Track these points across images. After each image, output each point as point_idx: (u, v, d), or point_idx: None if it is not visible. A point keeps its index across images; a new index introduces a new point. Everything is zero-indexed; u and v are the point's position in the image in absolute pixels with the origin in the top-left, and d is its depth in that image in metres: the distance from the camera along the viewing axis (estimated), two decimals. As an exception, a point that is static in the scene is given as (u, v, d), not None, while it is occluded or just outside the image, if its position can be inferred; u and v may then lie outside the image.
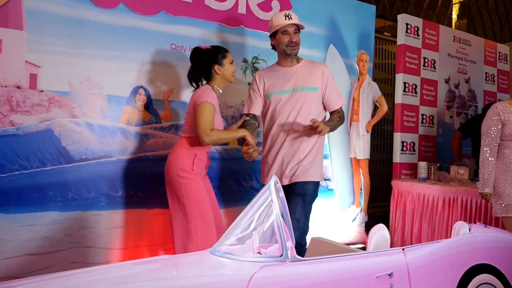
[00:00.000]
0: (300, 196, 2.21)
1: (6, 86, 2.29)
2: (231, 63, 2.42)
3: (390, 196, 3.67)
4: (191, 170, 2.19)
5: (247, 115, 2.48)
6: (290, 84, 2.36)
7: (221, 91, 2.41)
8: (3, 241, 2.27)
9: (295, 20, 2.36)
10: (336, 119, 2.39)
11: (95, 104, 2.56)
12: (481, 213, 2.97)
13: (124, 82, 2.65)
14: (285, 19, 2.33)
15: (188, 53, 2.83)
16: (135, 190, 2.67)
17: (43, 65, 2.39)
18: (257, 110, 2.47)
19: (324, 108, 2.45)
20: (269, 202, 1.31)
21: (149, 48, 2.72)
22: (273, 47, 2.48)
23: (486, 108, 3.71)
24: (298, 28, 2.41)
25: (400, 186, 3.60)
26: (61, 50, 2.44)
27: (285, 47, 2.36)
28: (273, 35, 2.43)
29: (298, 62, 2.44)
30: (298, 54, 2.46)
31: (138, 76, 2.69)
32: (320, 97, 2.39)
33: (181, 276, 1.17)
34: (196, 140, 2.22)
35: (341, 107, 2.45)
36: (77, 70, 2.49)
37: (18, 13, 2.32)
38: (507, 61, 5.00)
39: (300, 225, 2.09)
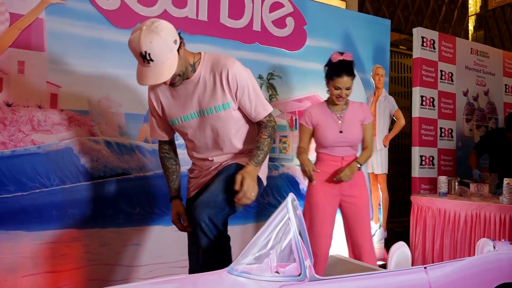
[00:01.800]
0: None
1: (28, 106, 2.35)
2: (335, 88, 2.45)
3: (409, 211, 3.60)
4: None
5: (163, 142, 2.10)
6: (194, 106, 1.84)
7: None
8: (23, 258, 2.30)
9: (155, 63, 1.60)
10: (264, 141, 1.82)
11: (113, 122, 2.60)
12: (506, 229, 2.88)
13: (142, 100, 2.68)
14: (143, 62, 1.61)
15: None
16: (152, 207, 2.69)
17: (63, 85, 2.45)
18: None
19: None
20: (287, 220, 1.29)
21: (166, 66, 2.76)
22: None
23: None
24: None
25: (420, 201, 3.53)
26: (81, 70, 2.50)
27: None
28: None
29: (193, 73, 1.81)
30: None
31: (155, 94, 2.72)
32: (234, 112, 1.86)
33: (198, 295, 1.16)
34: None
35: (267, 117, 1.87)
36: (96, 89, 2.55)
37: (40, 35, 2.39)
38: (527, 72, 4.91)
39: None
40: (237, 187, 1.69)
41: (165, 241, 2.70)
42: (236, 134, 1.90)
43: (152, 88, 1.89)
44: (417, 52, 3.84)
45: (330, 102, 2.54)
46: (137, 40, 1.55)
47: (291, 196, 1.35)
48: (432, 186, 3.79)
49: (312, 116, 2.52)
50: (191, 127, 1.90)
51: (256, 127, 1.92)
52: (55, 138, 2.42)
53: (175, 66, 1.63)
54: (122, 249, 2.56)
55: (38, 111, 2.38)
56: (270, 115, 1.90)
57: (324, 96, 2.67)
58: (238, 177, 1.71)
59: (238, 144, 1.91)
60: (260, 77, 3.13)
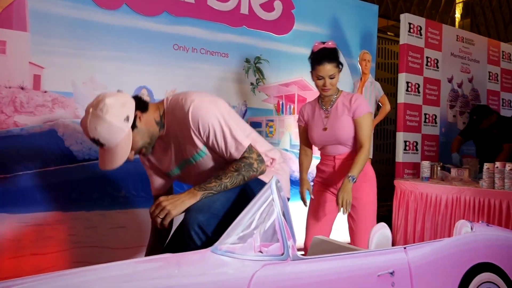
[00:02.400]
0: None
1: (10, 87, 2.31)
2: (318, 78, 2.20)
3: (392, 195, 3.67)
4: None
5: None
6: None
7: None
8: (8, 241, 2.29)
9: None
10: (228, 172, 1.57)
11: (99, 105, 2.57)
12: (484, 212, 2.96)
13: (127, 82, 2.66)
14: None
15: (191, 54, 2.86)
16: (138, 190, 2.69)
17: (46, 66, 2.40)
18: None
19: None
20: (270, 201, 1.31)
21: (152, 48, 2.73)
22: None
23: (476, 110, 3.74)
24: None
25: (403, 186, 3.59)
26: (64, 51, 2.46)
27: None
28: None
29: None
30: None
31: (141, 76, 2.70)
32: (214, 154, 1.66)
33: (182, 274, 1.17)
34: None
35: (246, 151, 1.60)
36: (81, 70, 2.51)
37: (22, 15, 2.33)
38: (510, 60, 4.98)
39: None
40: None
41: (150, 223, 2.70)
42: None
43: None
44: (404, 38, 3.86)
45: (320, 97, 2.31)
46: (84, 126, 1.49)
47: (275, 178, 1.36)
48: (415, 171, 3.86)
49: (304, 113, 2.35)
50: (181, 177, 1.81)
51: None
52: (39, 120, 2.39)
53: (128, 146, 1.52)
54: (107, 231, 2.57)
55: (21, 92, 2.34)
56: (250, 151, 1.60)
57: (311, 80, 2.67)
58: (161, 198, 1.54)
59: None
60: (247, 61, 3.12)
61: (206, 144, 1.61)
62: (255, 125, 3.17)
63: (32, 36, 2.36)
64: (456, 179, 3.40)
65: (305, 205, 2.26)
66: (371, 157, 3.71)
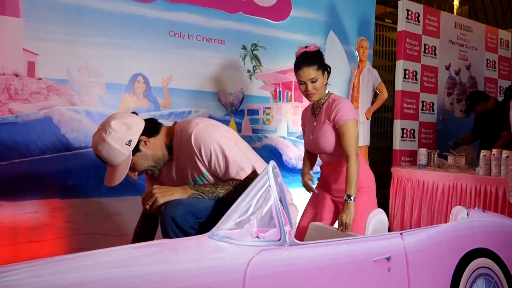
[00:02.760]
0: None
1: (4, 74, 2.28)
2: (300, 83, 2.09)
3: (389, 183, 3.68)
4: None
5: None
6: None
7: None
8: (4, 228, 2.28)
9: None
10: (225, 186, 1.61)
11: (94, 92, 2.55)
12: (481, 198, 2.98)
13: (123, 69, 2.64)
14: None
15: (187, 40, 2.83)
16: (135, 177, 2.68)
17: (40, 52, 2.37)
18: None
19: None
20: (267, 187, 1.31)
21: (147, 35, 2.70)
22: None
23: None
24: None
25: (400, 173, 3.60)
26: (59, 37, 2.42)
27: None
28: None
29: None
30: None
31: (136, 63, 2.68)
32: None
33: (179, 260, 1.17)
34: None
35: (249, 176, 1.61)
36: (75, 57, 2.48)
37: (15, 0, 2.29)
38: (508, 47, 4.96)
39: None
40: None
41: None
42: None
43: None
44: (402, 25, 3.83)
45: (313, 103, 2.20)
46: (92, 142, 1.62)
47: (272, 163, 1.36)
48: (412, 158, 3.87)
49: (303, 117, 2.30)
50: None
51: None
52: (34, 107, 2.37)
53: (126, 168, 1.58)
54: (104, 219, 2.56)
55: (15, 79, 2.31)
56: (254, 175, 1.59)
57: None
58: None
59: None
60: (244, 48, 3.09)
61: (208, 169, 1.65)
62: (252, 112, 3.16)
63: (25, 22, 2.32)
64: (453, 167, 3.41)
65: (313, 191, 2.22)
66: (368, 144, 3.71)
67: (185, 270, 1.16)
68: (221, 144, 1.61)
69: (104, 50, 2.56)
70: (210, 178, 1.67)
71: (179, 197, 1.54)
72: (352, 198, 1.92)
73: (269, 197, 1.30)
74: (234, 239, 1.25)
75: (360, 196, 2.03)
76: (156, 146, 1.66)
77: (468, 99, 3.88)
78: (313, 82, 2.04)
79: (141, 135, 1.62)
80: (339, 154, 2.08)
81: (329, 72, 2.10)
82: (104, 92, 2.58)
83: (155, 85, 2.75)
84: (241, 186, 1.54)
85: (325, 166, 2.23)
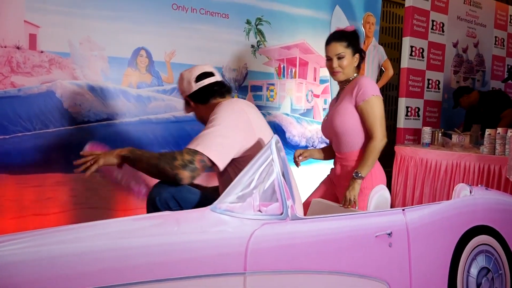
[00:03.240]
0: None
1: (5, 47, 2.25)
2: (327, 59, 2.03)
3: (393, 161, 3.67)
4: None
5: None
6: None
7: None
8: (9, 201, 2.30)
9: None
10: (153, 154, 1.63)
11: (96, 66, 2.52)
12: (484, 177, 2.97)
13: (125, 43, 2.60)
14: None
15: (190, 14, 2.78)
16: (139, 152, 2.68)
17: (42, 25, 2.33)
18: None
19: None
20: (270, 161, 1.30)
21: (150, 8, 2.65)
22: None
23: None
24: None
25: (403, 151, 3.59)
26: (60, 9, 2.38)
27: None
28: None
29: None
30: None
31: (139, 37, 2.63)
32: None
33: (182, 232, 1.18)
34: None
35: (190, 152, 1.56)
36: (77, 30, 2.44)
37: (14, -29, 2.25)
38: (518, 24, 4.85)
39: None
40: None
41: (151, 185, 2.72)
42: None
43: None
44: (410, 0, 3.74)
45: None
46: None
47: (275, 138, 1.35)
48: (416, 137, 3.85)
49: (329, 106, 2.19)
50: None
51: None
52: (36, 81, 2.35)
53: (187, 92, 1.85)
54: (108, 193, 2.58)
55: (17, 52, 2.28)
56: (190, 154, 1.53)
57: (313, 43, 2.60)
58: None
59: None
60: (248, 22, 3.04)
61: None
62: (255, 88, 3.12)
63: (26, -7, 2.28)
64: (457, 145, 3.39)
65: (296, 166, 2.15)
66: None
67: (187, 242, 1.16)
68: (218, 119, 1.60)
69: (106, 23, 2.51)
70: None
71: (111, 155, 1.65)
72: (360, 175, 1.85)
73: (271, 171, 1.30)
74: (237, 212, 1.25)
75: (362, 199, 1.88)
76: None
77: (452, 95, 3.89)
78: (339, 58, 1.96)
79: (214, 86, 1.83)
80: (352, 140, 1.95)
81: (362, 57, 2.01)
82: (107, 66, 2.56)
83: (158, 60, 2.72)
84: (166, 157, 1.50)
85: (336, 159, 2.08)
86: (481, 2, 4.41)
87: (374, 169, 1.94)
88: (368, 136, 1.92)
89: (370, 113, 1.88)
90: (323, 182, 2.20)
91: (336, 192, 2.09)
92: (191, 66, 2.77)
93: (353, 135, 1.95)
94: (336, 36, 2.00)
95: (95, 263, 1.06)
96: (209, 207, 1.27)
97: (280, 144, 1.34)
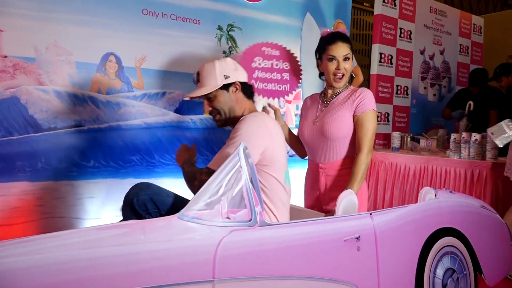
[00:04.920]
0: None
1: (-34, 51, 2.18)
2: (330, 59, 1.93)
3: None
4: None
5: None
6: None
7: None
8: (-29, 212, 2.21)
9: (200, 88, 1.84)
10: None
11: (64, 71, 2.47)
12: (450, 180, 3.06)
13: (94, 48, 2.55)
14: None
15: (161, 19, 2.76)
16: (108, 160, 2.63)
17: (6, 28, 2.27)
18: None
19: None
20: (238, 167, 1.30)
21: (120, 13, 2.61)
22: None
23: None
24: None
25: (374, 156, 3.66)
26: (25, 13, 2.32)
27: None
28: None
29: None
30: None
31: (108, 42, 2.59)
32: None
33: (148, 240, 1.16)
34: None
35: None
36: (43, 34, 2.38)
37: (-24, -27, 2.18)
38: (481, 33, 5.05)
39: None
40: None
41: (121, 194, 2.66)
42: None
43: None
44: (378, 8, 3.85)
45: (324, 90, 2.06)
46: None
47: (243, 144, 1.35)
48: (386, 142, 3.94)
49: (304, 105, 2.14)
50: None
51: None
52: (-1, 87, 2.27)
53: (207, 90, 1.75)
54: (76, 202, 2.51)
55: (-22, 56, 2.21)
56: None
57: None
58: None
59: None
60: (219, 28, 3.04)
61: None
62: (227, 94, 3.12)
63: (-11, -4, 2.21)
64: (425, 149, 3.49)
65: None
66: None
67: (154, 251, 1.15)
68: (243, 134, 1.63)
69: (74, 27, 2.46)
70: None
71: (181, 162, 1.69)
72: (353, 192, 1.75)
73: (240, 177, 1.30)
74: (204, 220, 1.25)
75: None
76: (239, 101, 1.81)
77: (481, 73, 3.86)
78: (345, 59, 1.89)
79: (240, 84, 1.79)
80: (342, 149, 1.91)
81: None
82: (75, 72, 2.50)
83: (128, 65, 2.68)
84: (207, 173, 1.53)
85: (316, 170, 1.96)
86: (446, 11, 4.58)
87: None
88: (354, 147, 1.90)
89: (364, 126, 1.86)
90: (308, 197, 2.10)
91: (323, 205, 1.99)
92: (162, 72, 2.80)
93: (344, 144, 1.92)
94: (341, 36, 1.93)
95: (58, 275, 1.03)
96: (176, 214, 1.25)
97: (248, 150, 1.35)
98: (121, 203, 2.63)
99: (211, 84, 1.75)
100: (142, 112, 2.72)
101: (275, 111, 2.06)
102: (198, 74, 1.80)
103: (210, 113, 1.84)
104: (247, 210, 1.30)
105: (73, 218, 2.50)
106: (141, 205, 1.54)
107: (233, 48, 3.12)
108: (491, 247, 2.01)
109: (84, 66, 2.52)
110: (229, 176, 1.30)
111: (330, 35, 1.97)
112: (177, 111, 2.85)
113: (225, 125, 1.87)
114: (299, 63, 2.58)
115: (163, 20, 2.78)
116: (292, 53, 2.49)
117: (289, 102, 3.44)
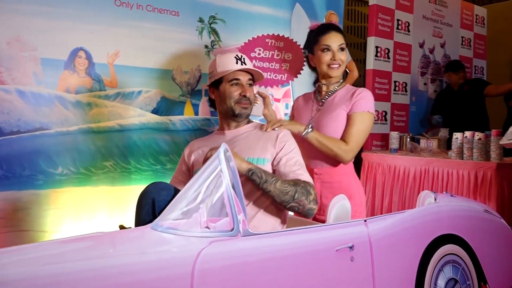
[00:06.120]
0: None
1: None
2: (324, 50, 1.96)
3: (360, 169, 3.75)
4: None
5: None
6: None
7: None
8: None
9: (249, 65, 1.82)
10: (284, 181, 1.61)
11: (27, 69, 2.43)
12: (453, 183, 3.09)
13: (62, 43, 2.53)
14: (236, 62, 1.79)
15: (135, 11, 2.74)
16: (78, 166, 2.60)
17: (-39, 22, 2.24)
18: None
19: None
20: (218, 172, 1.29)
21: (90, 4, 2.59)
22: (212, 104, 1.96)
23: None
24: (253, 78, 1.86)
25: (371, 158, 3.68)
26: (-17, 5, 2.29)
27: (233, 104, 1.79)
28: (214, 84, 1.87)
29: (248, 123, 1.89)
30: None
31: (77, 36, 2.56)
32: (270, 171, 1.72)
33: (118, 254, 1.14)
34: None
35: (308, 184, 1.66)
36: (4, 28, 2.34)
37: None
38: (484, 24, 5.12)
39: None
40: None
41: (95, 203, 2.64)
42: None
43: None
44: (374, -2, 3.88)
45: (317, 88, 2.08)
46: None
47: (224, 146, 1.34)
48: (384, 142, 3.96)
49: (295, 103, 2.17)
50: None
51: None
52: (-45, 86, 2.23)
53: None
54: (42, 213, 2.48)
55: None
56: (312, 187, 1.68)
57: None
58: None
59: None
60: (200, 20, 3.03)
61: (270, 158, 1.73)
62: (210, 93, 3.12)
63: None
64: (425, 150, 3.52)
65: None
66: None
67: (124, 265, 1.13)
68: (299, 151, 1.77)
69: (39, 20, 2.44)
70: (268, 165, 1.72)
71: (239, 162, 1.57)
72: (311, 131, 1.87)
73: (220, 183, 1.29)
74: (181, 230, 1.23)
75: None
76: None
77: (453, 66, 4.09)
78: (341, 49, 1.94)
79: None
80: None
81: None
82: (40, 69, 2.47)
83: (100, 62, 2.65)
84: (302, 187, 1.59)
85: (315, 180, 1.95)
86: (447, 1, 4.64)
87: (355, 184, 1.98)
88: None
89: (356, 124, 1.89)
90: None
91: (317, 215, 1.93)
92: (137, 68, 2.78)
93: None
94: (334, 26, 1.99)
95: (17, 294, 1.01)
96: (149, 225, 1.24)
97: (230, 153, 1.34)
98: (93, 213, 2.61)
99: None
100: (115, 113, 2.70)
101: (264, 98, 2.05)
102: (242, 56, 1.82)
103: (242, 99, 1.79)
104: (228, 219, 1.29)
105: (38, 232, 2.46)
106: (160, 207, 1.45)
107: (215, 42, 3.11)
108: (496, 254, 2.02)
109: (51, 62, 2.49)
110: (208, 181, 1.29)
111: (322, 26, 2.01)
112: (155, 111, 2.83)
113: (247, 118, 1.89)
114: (304, 53, 2.51)
115: (138, 11, 2.76)
116: (299, 45, 2.46)
117: (278, 100, 3.45)
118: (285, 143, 1.73)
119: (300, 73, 2.45)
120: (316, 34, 1.99)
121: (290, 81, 2.56)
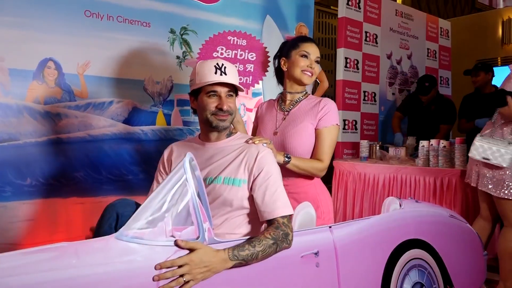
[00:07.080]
0: None
1: None
2: (303, 55, 1.97)
3: (331, 177, 3.80)
4: None
5: None
6: (203, 171, 1.62)
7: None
8: None
9: (230, 77, 1.67)
10: (262, 241, 1.40)
11: (-6, 79, 2.39)
12: (420, 189, 3.16)
13: (30, 53, 2.48)
14: (216, 72, 1.65)
15: (106, 22, 2.73)
16: (47, 177, 2.54)
17: None
18: None
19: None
20: (184, 181, 1.29)
21: (59, 14, 2.56)
22: (194, 111, 1.81)
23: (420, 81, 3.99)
24: (235, 87, 1.72)
25: (342, 166, 3.73)
26: None
27: (209, 115, 1.65)
28: (194, 93, 1.74)
29: (228, 137, 1.73)
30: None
31: (46, 47, 2.53)
32: (245, 195, 1.59)
33: (81, 264, 1.13)
34: None
35: (286, 219, 1.51)
36: (-30, 39, 2.30)
37: None
38: (448, 37, 5.29)
39: None
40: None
41: (65, 215, 2.59)
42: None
43: None
44: (342, 11, 3.96)
45: (281, 96, 2.09)
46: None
47: (189, 155, 1.34)
48: (354, 151, 4.02)
49: (259, 110, 2.16)
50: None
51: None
52: None
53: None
54: (10, 226, 2.41)
55: None
56: (289, 221, 1.53)
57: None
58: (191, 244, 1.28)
59: None
60: (172, 32, 3.03)
61: (247, 180, 1.59)
62: (182, 103, 3.11)
63: None
64: (394, 158, 3.59)
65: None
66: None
67: (88, 275, 1.11)
68: (277, 176, 1.61)
69: (7, 30, 2.39)
70: (243, 188, 1.59)
71: (218, 271, 1.30)
72: (289, 160, 1.82)
73: (185, 192, 1.29)
74: (146, 239, 1.22)
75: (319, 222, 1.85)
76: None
77: (427, 81, 4.01)
78: (316, 62, 1.99)
79: None
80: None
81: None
82: (8, 79, 2.42)
83: (69, 72, 2.62)
84: (281, 237, 1.43)
85: None
86: (412, 14, 4.77)
87: (321, 193, 1.98)
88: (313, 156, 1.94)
89: (325, 140, 1.91)
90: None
91: None
92: (108, 79, 2.76)
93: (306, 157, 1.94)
94: (314, 41, 2.05)
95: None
96: (113, 234, 1.23)
97: (195, 162, 1.34)
98: (64, 225, 2.55)
99: (237, 81, 1.72)
100: (86, 123, 2.66)
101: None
102: (223, 65, 1.66)
103: (218, 112, 1.65)
104: (194, 227, 1.29)
105: (6, 245, 2.39)
106: (125, 221, 1.37)
107: (187, 53, 3.12)
108: (462, 258, 2.07)
109: (19, 73, 2.45)
110: (174, 190, 1.29)
111: (304, 36, 2.10)
112: (126, 121, 2.81)
113: (226, 130, 1.73)
114: (268, 54, 2.44)
115: (109, 22, 2.75)
116: (262, 43, 2.45)
117: (250, 110, 3.47)
118: (264, 166, 1.59)
119: (265, 75, 2.43)
120: (297, 40, 2.02)
121: (261, 89, 2.55)
